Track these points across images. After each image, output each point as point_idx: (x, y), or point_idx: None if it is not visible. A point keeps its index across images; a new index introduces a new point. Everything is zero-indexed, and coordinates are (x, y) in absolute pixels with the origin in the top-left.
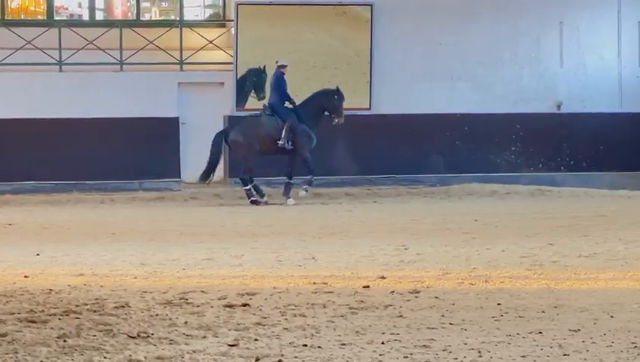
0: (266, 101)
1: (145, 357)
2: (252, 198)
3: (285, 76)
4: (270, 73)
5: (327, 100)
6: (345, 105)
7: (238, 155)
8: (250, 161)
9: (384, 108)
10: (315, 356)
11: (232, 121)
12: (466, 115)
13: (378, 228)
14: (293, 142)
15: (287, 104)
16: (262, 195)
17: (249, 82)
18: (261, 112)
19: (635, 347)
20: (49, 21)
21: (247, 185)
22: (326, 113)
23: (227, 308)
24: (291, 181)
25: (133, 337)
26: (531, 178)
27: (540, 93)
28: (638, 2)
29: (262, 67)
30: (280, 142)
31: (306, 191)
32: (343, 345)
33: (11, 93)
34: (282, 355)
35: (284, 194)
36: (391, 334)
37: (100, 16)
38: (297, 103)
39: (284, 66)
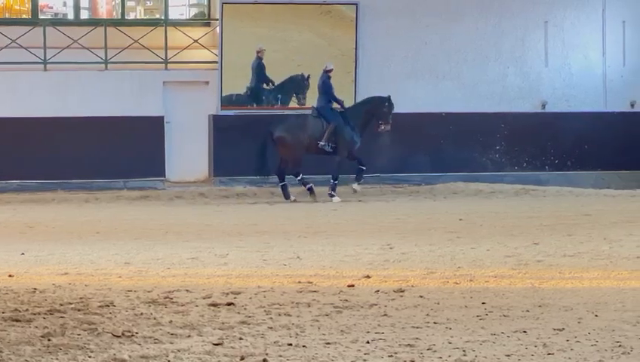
0: (314, 103)
1: (129, 356)
2: (308, 186)
3: (264, 70)
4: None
5: (378, 107)
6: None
7: (282, 152)
8: (294, 158)
9: None
10: (299, 355)
11: (216, 120)
12: (450, 114)
13: (363, 227)
14: (336, 145)
15: (335, 106)
16: (287, 196)
17: (290, 87)
18: (309, 114)
19: (620, 346)
20: (34, 20)
21: (283, 181)
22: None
23: (212, 307)
24: (363, 168)
25: (118, 336)
26: (516, 177)
27: (524, 93)
28: (623, 2)
29: (305, 75)
30: (320, 143)
31: (331, 196)
32: (328, 344)
33: None
34: (267, 354)
35: (329, 192)
36: (375, 333)
37: (84, 15)
38: (347, 107)
39: (330, 70)
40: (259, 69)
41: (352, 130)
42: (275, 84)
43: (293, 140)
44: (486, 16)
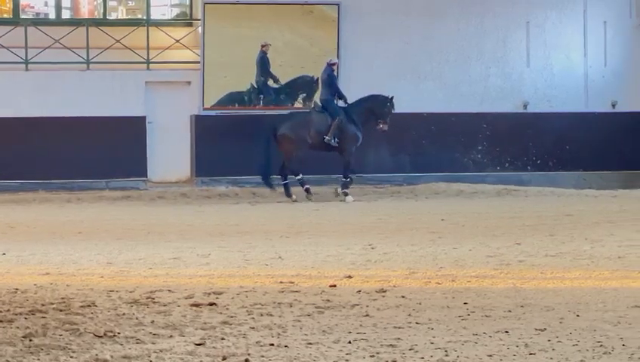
0: (317, 97)
1: (111, 357)
2: (306, 187)
3: (268, 65)
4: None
5: (379, 106)
6: (311, 104)
7: (283, 150)
8: (296, 156)
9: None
10: (281, 355)
11: (198, 120)
12: (432, 115)
13: (345, 227)
14: (340, 140)
15: (338, 101)
16: (289, 195)
17: (298, 87)
18: (311, 109)
19: (601, 346)
20: (15, 19)
21: (285, 180)
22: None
23: (194, 307)
24: (346, 179)
25: (100, 336)
26: (498, 177)
27: (506, 93)
28: (604, 2)
29: (315, 78)
30: (326, 137)
31: (342, 191)
32: (310, 344)
33: None
34: (249, 354)
35: (341, 191)
36: (357, 333)
37: (66, 14)
38: (349, 103)
39: (334, 63)
40: (262, 63)
41: (356, 126)
42: (282, 83)
43: (296, 138)
44: (468, 16)
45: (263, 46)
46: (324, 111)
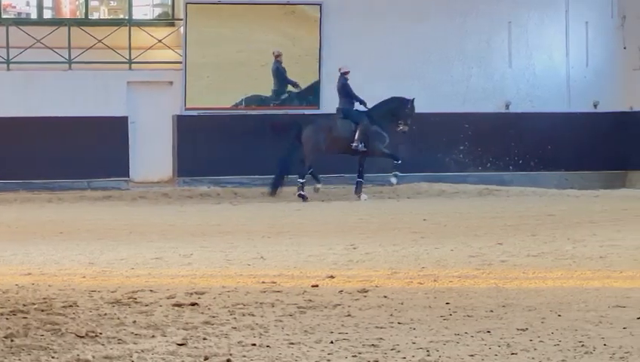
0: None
1: (93, 357)
2: (300, 192)
3: (284, 73)
4: None
5: (401, 108)
6: (293, 104)
7: (305, 151)
8: (314, 158)
9: (333, 108)
10: (263, 355)
11: (180, 120)
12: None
13: (327, 227)
14: (366, 144)
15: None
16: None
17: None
18: (334, 115)
19: (582, 345)
20: None
21: (302, 179)
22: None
23: (176, 307)
24: (362, 179)
25: (81, 336)
26: (480, 177)
27: (488, 93)
28: (586, 3)
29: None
30: (353, 144)
31: (396, 177)
32: (292, 344)
33: None
34: (231, 354)
35: (355, 192)
36: (339, 333)
37: (48, 14)
38: (370, 106)
39: (347, 72)
40: (278, 73)
41: (380, 128)
42: (302, 87)
43: (316, 142)
44: (450, 16)
45: (276, 56)
46: (347, 118)
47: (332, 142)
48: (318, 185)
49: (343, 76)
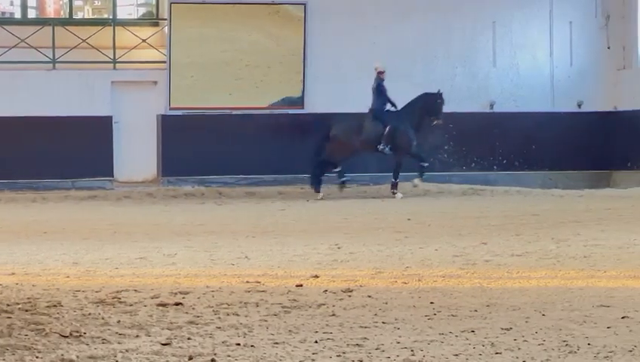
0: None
1: (77, 357)
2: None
3: (384, 92)
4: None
5: (430, 103)
6: (278, 104)
7: (332, 149)
8: (340, 158)
9: (318, 107)
10: (247, 355)
11: (164, 120)
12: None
13: (311, 227)
14: (393, 146)
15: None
16: (318, 190)
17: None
18: (365, 115)
19: (567, 345)
20: None
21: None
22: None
23: (160, 307)
24: (424, 165)
25: (66, 336)
26: (464, 177)
27: (472, 92)
28: (570, 3)
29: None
30: (380, 146)
31: (421, 179)
32: (276, 343)
33: None
34: (215, 354)
35: (391, 190)
36: (324, 333)
37: (32, 14)
38: (401, 107)
39: (382, 72)
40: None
41: (408, 129)
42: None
43: (345, 141)
44: (434, 16)
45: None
46: (377, 119)
47: (360, 143)
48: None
49: (379, 76)
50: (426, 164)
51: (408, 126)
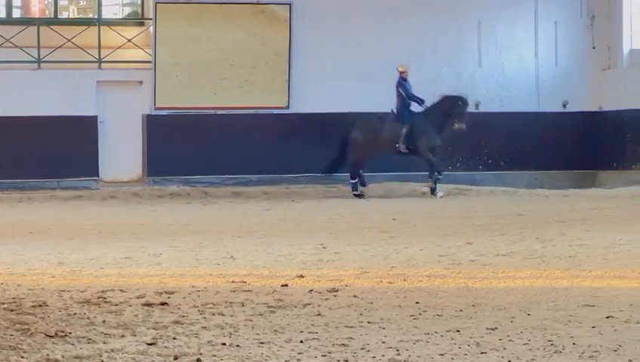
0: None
1: (62, 357)
2: (355, 192)
3: (409, 89)
4: None
5: (452, 106)
6: (263, 104)
7: (354, 150)
8: (362, 157)
9: (303, 107)
10: (233, 354)
11: (150, 119)
12: (385, 115)
13: (296, 227)
14: (413, 146)
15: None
16: (357, 189)
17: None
18: (388, 115)
19: (552, 344)
20: None
21: (353, 179)
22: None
23: (145, 307)
24: (439, 177)
25: (51, 336)
26: (449, 177)
27: (458, 92)
28: (555, 3)
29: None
30: (397, 144)
31: (432, 190)
32: (262, 343)
33: None
34: (201, 354)
35: (432, 193)
36: (309, 333)
37: (17, 13)
38: (427, 106)
39: (403, 72)
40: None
41: (429, 129)
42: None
43: (365, 142)
44: (420, 16)
45: (401, 73)
46: (398, 119)
47: (381, 143)
48: (362, 188)
49: (400, 75)
50: (441, 177)
51: (429, 126)
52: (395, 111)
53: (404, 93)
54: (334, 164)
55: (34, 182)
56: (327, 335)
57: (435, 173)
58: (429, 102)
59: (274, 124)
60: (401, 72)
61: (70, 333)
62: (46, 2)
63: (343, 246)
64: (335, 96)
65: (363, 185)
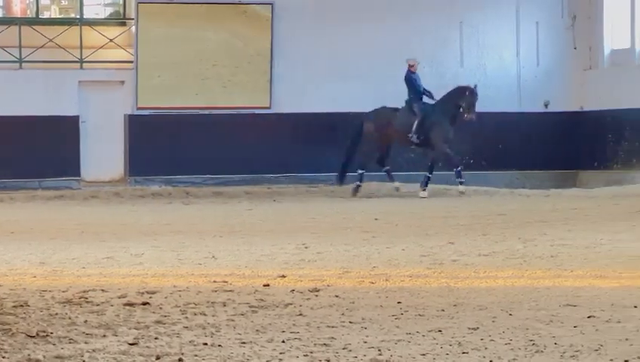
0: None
1: (44, 357)
2: (358, 183)
3: (415, 81)
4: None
5: (462, 96)
6: (244, 104)
7: (367, 144)
8: (376, 152)
9: (284, 107)
10: (215, 354)
11: (132, 119)
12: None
13: (278, 226)
14: (426, 138)
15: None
16: (361, 181)
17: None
18: (402, 107)
19: (533, 344)
20: None
21: (362, 169)
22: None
23: (127, 307)
24: (429, 175)
25: (32, 336)
26: (431, 177)
27: (440, 93)
28: (536, 3)
29: (473, 87)
30: (409, 135)
31: (462, 183)
32: (243, 343)
33: None
34: (182, 354)
35: (420, 186)
36: (291, 332)
37: None
38: (437, 99)
39: (411, 65)
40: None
41: (442, 121)
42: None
43: (379, 132)
44: (402, 16)
45: (410, 66)
46: (411, 111)
47: (392, 134)
48: (397, 184)
49: (409, 69)
50: (460, 168)
51: (442, 117)
52: (406, 102)
53: (414, 86)
54: (346, 164)
55: (16, 182)
56: (309, 335)
57: (458, 167)
58: (437, 96)
59: (256, 123)
60: (410, 66)
61: (52, 333)
62: (27, 2)
63: (325, 246)
64: (317, 96)
65: (391, 180)
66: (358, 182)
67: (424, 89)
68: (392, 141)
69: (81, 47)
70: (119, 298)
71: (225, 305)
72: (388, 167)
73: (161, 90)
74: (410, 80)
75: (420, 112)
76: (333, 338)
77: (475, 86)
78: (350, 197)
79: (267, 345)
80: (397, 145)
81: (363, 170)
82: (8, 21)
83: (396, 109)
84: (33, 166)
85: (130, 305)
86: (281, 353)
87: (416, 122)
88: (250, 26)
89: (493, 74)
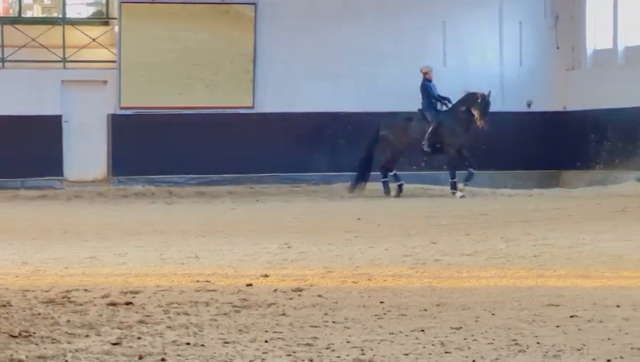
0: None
1: (26, 357)
2: (386, 190)
3: (430, 90)
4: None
5: (473, 103)
6: (227, 104)
7: (382, 150)
8: (392, 156)
9: (267, 107)
10: (198, 354)
11: (115, 119)
12: (349, 114)
13: (261, 226)
14: (440, 145)
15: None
16: (388, 188)
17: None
18: (415, 115)
19: (516, 344)
20: None
21: (385, 177)
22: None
23: (110, 307)
24: (473, 172)
25: (15, 336)
26: (414, 177)
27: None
28: (519, 3)
29: (486, 93)
30: (422, 143)
31: (466, 185)
32: (226, 343)
33: None
34: (165, 354)
35: (451, 190)
36: (274, 332)
37: None
38: (450, 105)
39: (425, 72)
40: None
41: (455, 127)
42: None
43: (394, 139)
44: (385, 16)
45: (424, 73)
46: (425, 119)
47: (407, 142)
48: (392, 194)
49: (424, 77)
50: (474, 170)
51: (455, 124)
52: (420, 110)
53: (430, 94)
54: (364, 169)
55: None
56: (292, 334)
57: (470, 169)
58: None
59: (239, 123)
60: (425, 74)
61: (34, 333)
62: (10, 1)
63: (308, 246)
64: (300, 95)
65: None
66: (398, 183)
67: (439, 96)
68: (406, 149)
69: (64, 47)
70: (102, 298)
71: (208, 305)
72: (395, 172)
73: (144, 89)
74: (426, 88)
75: (434, 121)
76: (316, 337)
77: (489, 93)
78: (393, 197)
79: (250, 345)
80: (411, 153)
81: (392, 171)
82: None
83: (410, 118)
84: (15, 165)
85: (113, 304)
86: (264, 353)
87: (429, 131)
88: (234, 25)
89: (476, 73)
